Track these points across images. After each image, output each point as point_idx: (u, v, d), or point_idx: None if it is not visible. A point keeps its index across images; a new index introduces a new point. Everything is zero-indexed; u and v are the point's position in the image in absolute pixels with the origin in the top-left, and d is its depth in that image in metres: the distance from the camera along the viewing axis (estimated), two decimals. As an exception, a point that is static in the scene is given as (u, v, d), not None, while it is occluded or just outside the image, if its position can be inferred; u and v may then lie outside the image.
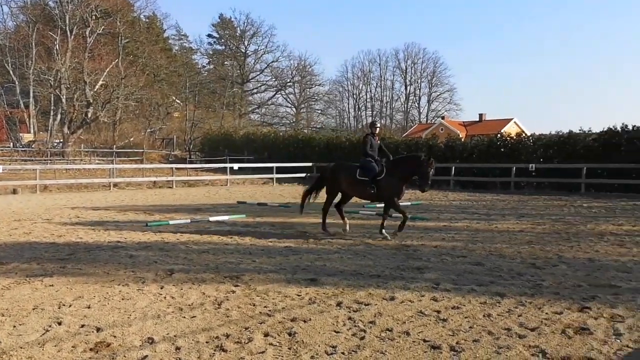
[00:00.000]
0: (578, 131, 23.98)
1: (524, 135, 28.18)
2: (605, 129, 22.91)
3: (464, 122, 64.96)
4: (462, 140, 31.59)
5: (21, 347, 4.28)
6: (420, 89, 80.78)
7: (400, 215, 10.16)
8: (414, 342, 4.44)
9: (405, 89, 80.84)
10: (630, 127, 22.19)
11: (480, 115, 63.06)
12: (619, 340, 4.42)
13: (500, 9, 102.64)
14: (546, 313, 5.23)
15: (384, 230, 10.11)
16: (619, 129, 22.41)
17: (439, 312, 5.29)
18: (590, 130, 23.73)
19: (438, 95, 79.66)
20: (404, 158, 10.89)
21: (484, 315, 5.16)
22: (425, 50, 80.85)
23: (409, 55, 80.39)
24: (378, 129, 11.08)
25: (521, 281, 6.59)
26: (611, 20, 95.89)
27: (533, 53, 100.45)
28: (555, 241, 9.75)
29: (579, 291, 6.08)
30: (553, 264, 7.67)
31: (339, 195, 11.26)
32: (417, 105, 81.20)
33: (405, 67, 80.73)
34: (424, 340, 4.46)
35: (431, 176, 10.05)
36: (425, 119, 77.43)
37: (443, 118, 67.07)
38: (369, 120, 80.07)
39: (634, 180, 21.09)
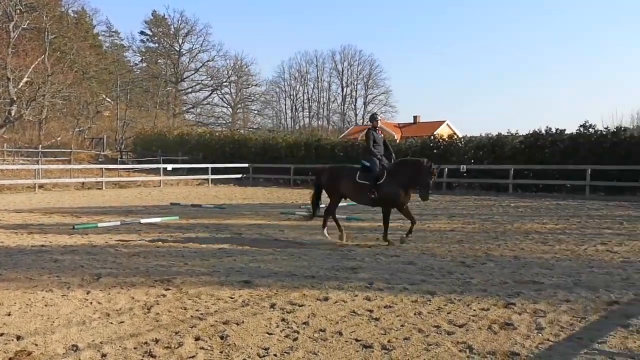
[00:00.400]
0: (506, 134, 24.97)
1: (455, 137, 29.11)
2: (530, 132, 23.98)
3: (399, 123, 66.19)
4: (397, 141, 32.21)
5: None
6: (356, 91, 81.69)
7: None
8: (346, 341, 4.46)
9: (342, 90, 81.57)
10: (553, 130, 23.31)
11: (415, 117, 64.42)
12: (540, 334, 4.61)
13: (433, 13, 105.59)
14: (474, 310, 5.38)
15: (389, 237, 9.49)
16: (544, 132, 23.50)
17: (371, 311, 5.34)
18: (517, 133, 24.78)
19: (374, 97, 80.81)
20: (407, 162, 10.06)
21: (415, 314, 5.26)
22: (361, 53, 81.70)
23: (345, 56, 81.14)
24: (380, 122, 10.24)
25: (451, 279, 6.77)
26: (537, 25, 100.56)
27: (464, 56, 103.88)
28: (484, 240, 10.09)
29: (505, 288, 6.30)
30: (481, 262, 7.93)
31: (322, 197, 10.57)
32: (353, 106, 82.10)
33: (342, 68, 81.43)
34: (356, 340, 4.49)
35: (432, 185, 9.22)
36: (361, 121, 78.39)
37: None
38: (306, 121, 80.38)
39: (556, 180, 22.19)
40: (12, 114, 38.91)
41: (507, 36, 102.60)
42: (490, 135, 25.80)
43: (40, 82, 40.00)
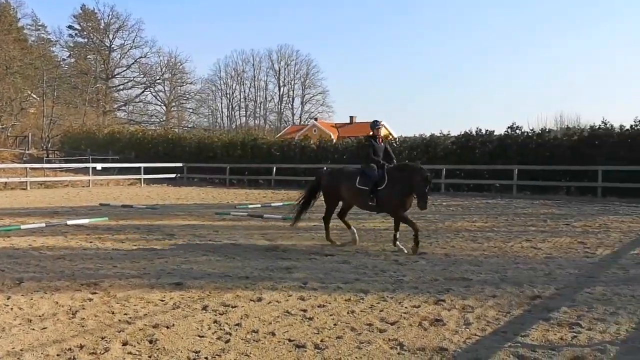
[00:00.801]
0: (439, 134, 25.66)
1: (390, 137, 29.64)
2: (462, 133, 24.75)
3: (336, 124, 66.74)
4: (334, 141, 32.47)
5: None
6: (293, 91, 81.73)
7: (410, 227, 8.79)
8: (279, 342, 4.44)
9: (279, 90, 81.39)
10: (483, 131, 24.15)
11: (351, 117, 65.18)
12: (468, 330, 4.74)
13: (369, 15, 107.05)
14: (405, 307, 5.48)
15: (398, 242, 8.91)
16: (474, 133, 24.31)
17: (305, 311, 5.34)
18: (449, 134, 25.50)
19: (311, 97, 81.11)
20: (404, 168, 9.12)
21: (348, 312, 5.30)
22: (298, 52, 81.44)
23: (282, 56, 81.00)
24: (382, 129, 9.71)
25: (384, 277, 6.87)
26: (468, 31, 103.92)
27: (400, 58, 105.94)
28: (416, 238, 10.29)
29: (435, 285, 6.46)
30: (414, 260, 8.10)
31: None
32: (290, 106, 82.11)
33: (279, 68, 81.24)
34: (289, 340, 4.47)
35: (429, 193, 8.70)
36: (298, 120, 78.53)
37: (316, 119, 68.41)
38: (243, 120, 79.64)
39: (486, 180, 23.00)
40: None
41: (439, 40, 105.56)
42: (423, 136, 26.45)
43: (-42, 76, 37.70)
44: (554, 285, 6.44)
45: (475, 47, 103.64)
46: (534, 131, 23.24)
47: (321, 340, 4.46)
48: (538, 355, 4.11)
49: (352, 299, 5.81)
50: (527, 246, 9.42)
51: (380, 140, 9.50)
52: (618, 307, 5.41)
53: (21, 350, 4.19)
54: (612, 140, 20.22)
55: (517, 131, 23.30)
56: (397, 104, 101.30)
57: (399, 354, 4.17)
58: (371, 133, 9.67)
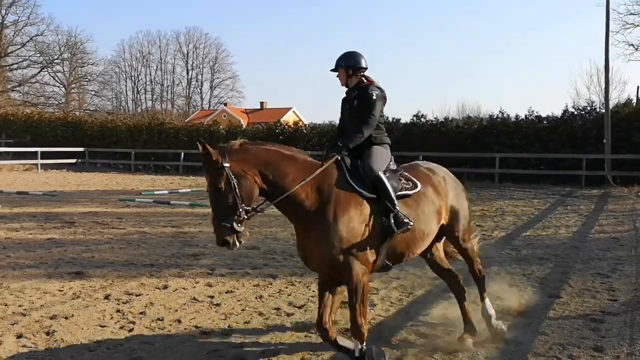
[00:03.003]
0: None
1: (301, 123, 29.82)
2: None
3: (246, 109, 66.11)
4: (244, 127, 32.19)
5: None
6: (202, 75, 79.80)
7: None
8: (185, 329, 4.39)
9: (187, 73, 79.23)
10: (390, 119, 24.89)
11: (262, 103, 64.81)
12: (373, 311, 4.91)
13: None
14: (313, 291, 5.57)
15: None
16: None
17: (212, 297, 5.31)
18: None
19: (221, 81, 79.57)
20: None
21: (256, 297, 5.32)
22: (207, 36, 79.44)
23: (190, 39, 78.73)
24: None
25: (292, 262, 6.94)
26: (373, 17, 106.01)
27: (310, 45, 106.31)
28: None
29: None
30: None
31: None
32: (199, 90, 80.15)
33: (187, 51, 78.95)
34: (196, 327, 4.44)
35: None
36: (207, 105, 76.98)
37: (226, 105, 67.39)
38: (149, 104, 76.90)
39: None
40: None
41: (347, 26, 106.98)
42: (333, 123, 26.82)
43: None
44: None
45: (384, 35, 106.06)
46: (438, 119, 24.21)
47: (228, 326, 4.46)
48: (438, 332, 4.33)
49: (260, 284, 5.84)
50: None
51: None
52: (510, 285, 5.79)
53: None
54: (509, 129, 21.51)
55: (422, 119, 24.18)
56: (309, 90, 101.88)
57: (305, 336, 4.25)
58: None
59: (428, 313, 4.86)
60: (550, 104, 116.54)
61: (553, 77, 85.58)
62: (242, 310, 4.92)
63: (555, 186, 18.13)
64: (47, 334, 4.23)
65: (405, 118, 24.84)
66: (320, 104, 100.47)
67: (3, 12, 63.01)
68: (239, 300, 5.21)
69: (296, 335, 4.28)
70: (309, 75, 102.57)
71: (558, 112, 20.98)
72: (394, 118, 24.96)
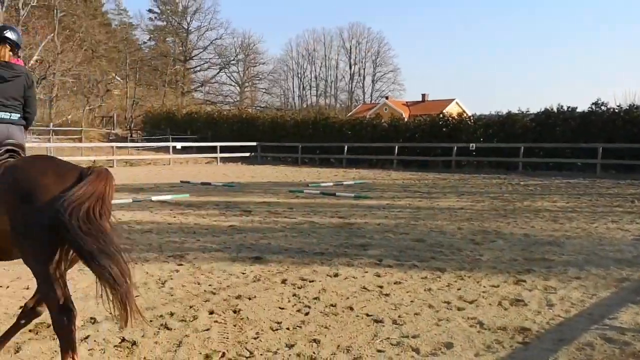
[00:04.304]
0: (517, 112, 24.81)
1: (465, 115, 28.97)
2: (542, 110, 23.82)
3: (407, 102, 65.87)
4: (405, 120, 32.10)
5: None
6: (364, 69, 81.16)
7: None
8: (357, 316, 4.52)
9: (350, 68, 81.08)
10: (565, 108, 23.13)
11: (423, 95, 64.07)
12: (551, 310, 4.64)
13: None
14: (484, 286, 5.42)
15: None
16: (555, 110, 23.34)
17: (381, 287, 5.40)
18: (528, 111, 24.60)
19: (382, 75, 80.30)
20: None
21: (424, 290, 5.31)
22: (369, 30, 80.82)
23: (353, 34, 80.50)
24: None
25: (461, 256, 6.80)
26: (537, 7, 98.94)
27: (474, 34, 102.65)
28: (493, 218, 10.11)
29: (515, 265, 6.33)
30: (491, 239, 7.95)
31: None
32: (361, 85, 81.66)
33: (350, 46, 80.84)
34: (367, 315, 4.55)
35: None
36: (369, 99, 78.06)
37: (387, 98, 67.75)
38: (314, 100, 79.97)
39: (567, 159, 22.09)
40: (23, 92, 39.05)
41: (515, 13, 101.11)
42: (500, 113, 25.65)
43: (50, 60, 40.12)
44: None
45: (556, 20, 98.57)
46: (621, 107, 22.00)
47: (399, 316, 4.51)
48: (628, 339, 3.97)
49: (428, 276, 5.81)
50: (613, 227, 9.02)
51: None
52: None
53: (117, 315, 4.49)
54: None
55: (602, 107, 22.15)
56: (471, 81, 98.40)
57: (479, 332, 4.15)
58: None
59: (616, 317, 4.46)
60: None
61: None
62: (412, 301, 4.94)
63: None
64: (234, 312, 4.63)
65: (582, 107, 22.90)
66: (485, 94, 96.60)
67: (188, 19, 69.87)
68: (407, 292, 5.24)
69: (469, 330, 4.19)
70: (472, 66, 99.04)
71: None
72: (569, 107, 23.19)
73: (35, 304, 3.45)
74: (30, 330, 4.12)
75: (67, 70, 41.21)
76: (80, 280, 5.54)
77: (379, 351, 3.79)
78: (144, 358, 3.68)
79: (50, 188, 3.03)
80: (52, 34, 41.68)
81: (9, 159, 3.59)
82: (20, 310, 3.84)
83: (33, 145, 29.08)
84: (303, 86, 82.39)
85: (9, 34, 4.02)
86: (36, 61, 39.88)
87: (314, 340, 3.99)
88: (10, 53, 4.00)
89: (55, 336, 3.78)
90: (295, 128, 31.62)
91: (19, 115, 4.00)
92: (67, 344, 3.08)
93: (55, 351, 3.73)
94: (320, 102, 77.46)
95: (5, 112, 3.88)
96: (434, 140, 25.96)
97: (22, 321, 3.38)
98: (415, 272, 6.01)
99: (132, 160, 28.37)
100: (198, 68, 72.77)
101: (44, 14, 45.12)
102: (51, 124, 37.87)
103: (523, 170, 22.67)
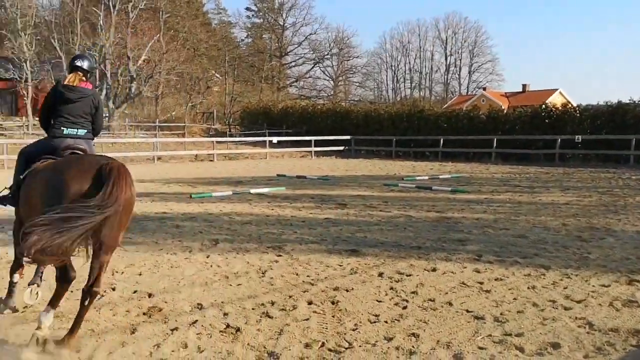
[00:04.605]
0: (628, 101, 23.15)
1: (570, 106, 27.42)
2: (656, 99, 22.09)
3: (506, 93, 63.44)
4: (505, 111, 30.92)
5: (77, 311, 4.46)
6: (461, 60, 79.04)
7: None
8: (457, 312, 4.44)
9: (446, 59, 79.24)
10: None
11: (524, 85, 61.41)
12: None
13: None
14: (593, 286, 5.14)
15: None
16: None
17: (482, 283, 5.26)
18: (640, 101, 22.90)
19: (479, 65, 77.81)
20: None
21: (528, 287, 5.11)
22: (466, 20, 78.77)
23: (449, 24, 78.56)
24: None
25: (566, 254, 6.48)
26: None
27: (576, 19, 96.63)
28: (602, 214, 9.53)
29: (627, 264, 5.94)
30: (600, 236, 7.51)
31: None
32: (457, 76, 79.59)
33: (446, 37, 78.97)
34: (467, 311, 4.46)
35: None
36: (466, 91, 75.95)
37: (484, 89, 65.57)
38: (407, 92, 78.93)
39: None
40: (132, 91, 41.79)
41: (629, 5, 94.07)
42: (609, 103, 24.02)
43: (157, 59, 42.54)
44: None
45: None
46: None
47: (501, 314, 4.38)
48: None
49: (531, 274, 5.58)
50: None
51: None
52: None
53: (222, 302, 4.71)
54: None
55: None
56: (577, 71, 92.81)
57: (587, 333, 3.95)
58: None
59: None
60: None
61: None
62: (514, 299, 4.77)
63: None
64: (332, 303, 4.70)
65: None
66: (591, 84, 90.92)
67: (284, 15, 71.32)
68: (510, 289, 5.07)
69: (577, 331, 3.99)
70: (577, 55, 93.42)
71: None
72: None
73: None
74: (144, 314, 4.41)
75: (171, 68, 43.48)
76: (186, 268, 5.86)
77: (481, 348, 3.71)
78: (248, 344, 3.83)
79: (69, 182, 3.61)
80: (158, 35, 44.11)
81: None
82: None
83: (142, 140, 31.03)
84: (397, 79, 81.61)
85: (79, 63, 4.69)
86: (144, 61, 42.45)
87: (413, 334, 3.97)
88: (83, 78, 4.69)
89: (167, 320, 4.08)
90: (390, 121, 31.40)
91: (85, 130, 4.60)
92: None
93: (167, 333, 3.99)
94: (414, 95, 76.38)
95: (73, 128, 4.53)
96: (535, 132, 24.81)
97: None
98: (518, 269, 5.80)
99: (231, 154, 29.45)
100: (293, 63, 74.18)
101: (151, 15, 47.85)
102: (157, 120, 40.16)
103: (635, 163, 21.14)
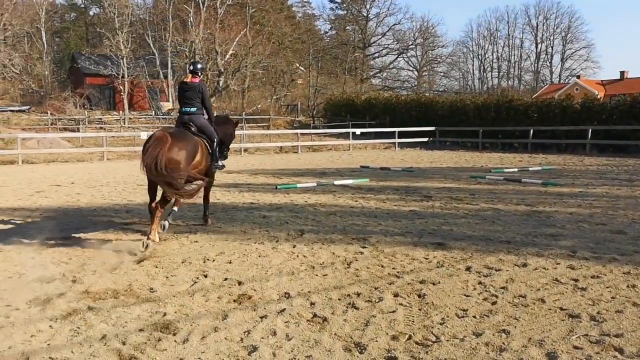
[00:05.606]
0: None
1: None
2: None
3: (602, 81, 59.89)
4: (601, 100, 29.19)
5: (174, 296, 4.73)
6: (552, 47, 75.33)
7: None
8: (549, 309, 4.29)
9: (536, 47, 75.82)
10: None
11: (622, 72, 57.70)
12: None
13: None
14: (702, 287, 4.79)
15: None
16: None
17: (576, 280, 5.05)
18: None
19: (573, 52, 73.83)
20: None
21: (627, 286, 4.85)
22: (559, 4, 75.04)
23: (540, 10, 75.12)
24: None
25: (671, 252, 6.07)
26: None
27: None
28: None
29: None
30: None
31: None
32: (548, 64, 75.95)
33: (537, 23, 75.53)
34: (561, 309, 4.30)
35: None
36: (557, 79, 72.39)
37: (578, 77, 62.23)
38: (495, 82, 76.27)
39: None
40: (220, 84, 43.18)
41: None
42: None
43: (243, 54, 43.75)
44: None
45: None
46: None
47: (597, 313, 4.19)
48: None
49: (631, 272, 5.28)
50: None
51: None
52: None
53: (309, 292, 4.82)
54: None
55: None
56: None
57: (695, 337, 3.70)
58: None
59: None
60: None
61: None
62: (612, 298, 4.54)
63: None
64: (419, 296, 4.68)
65: None
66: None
67: (367, 6, 70.92)
68: (607, 287, 4.83)
69: (683, 334, 3.75)
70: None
71: None
72: None
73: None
74: (234, 301, 4.59)
75: (257, 62, 44.53)
76: (274, 258, 6.03)
77: (576, 348, 3.57)
78: (335, 334, 3.89)
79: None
80: (245, 29, 45.27)
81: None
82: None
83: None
84: (484, 68, 79.11)
85: (191, 67, 7.48)
86: (231, 55, 43.73)
87: (503, 330, 3.88)
88: (192, 75, 7.35)
89: (256, 307, 4.23)
90: (476, 112, 30.49)
91: (196, 108, 7.26)
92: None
93: (256, 320, 4.13)
94: (502, 84, 73.73)
95: (187, 106, 7.24)
96: (635, 122, 23.25)
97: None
98: (616, 266, 5.51)
99: (315, 146, 29.76)
100: (377, 54, 73.60)
101: (238, 11, 49.13)
102: (243, 112, 41.29)
103: None
